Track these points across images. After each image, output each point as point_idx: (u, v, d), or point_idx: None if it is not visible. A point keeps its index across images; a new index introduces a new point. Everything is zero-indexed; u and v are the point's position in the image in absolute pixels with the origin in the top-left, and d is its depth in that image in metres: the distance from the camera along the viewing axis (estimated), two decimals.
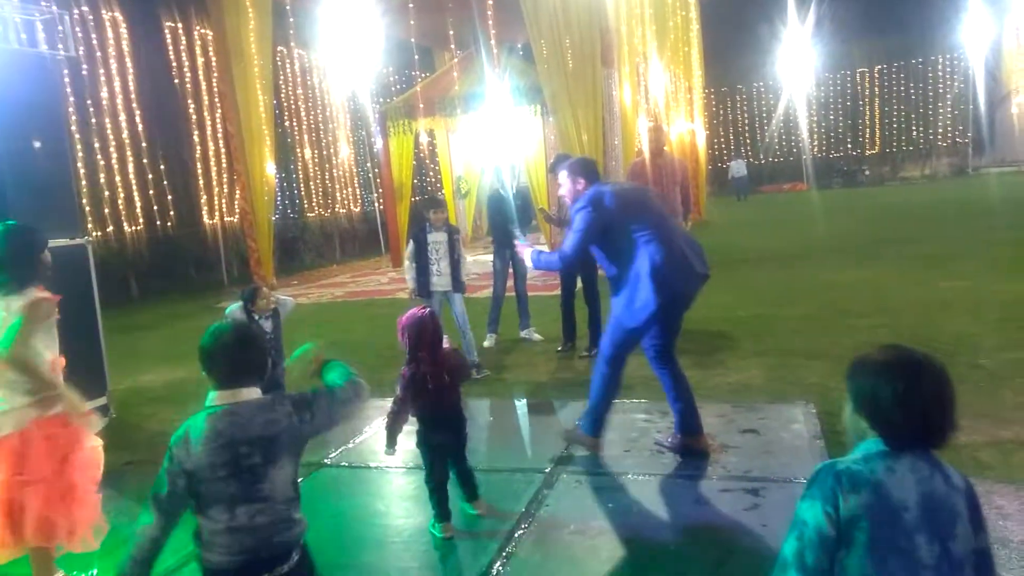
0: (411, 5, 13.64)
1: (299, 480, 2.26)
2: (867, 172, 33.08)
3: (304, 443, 2.23)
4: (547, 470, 4.11)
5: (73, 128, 10.95)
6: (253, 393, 2.16)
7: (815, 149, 33.83)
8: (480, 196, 17.35)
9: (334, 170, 18.30)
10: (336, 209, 18.35)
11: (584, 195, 4.04)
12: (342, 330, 8.63)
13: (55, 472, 3.04)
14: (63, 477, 3.05)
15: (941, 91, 32.13)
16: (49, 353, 3.10)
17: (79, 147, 11.47)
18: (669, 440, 4.31)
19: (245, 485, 2.05)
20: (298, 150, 17.09)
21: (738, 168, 30.12)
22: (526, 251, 4.38)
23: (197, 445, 2.05)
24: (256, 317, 4.91)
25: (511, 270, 7.26)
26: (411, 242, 6.19)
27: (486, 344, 7.14)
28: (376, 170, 16.94)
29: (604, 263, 4.13)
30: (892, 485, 1.55)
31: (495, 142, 13.30)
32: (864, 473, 1.57)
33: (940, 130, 32.63)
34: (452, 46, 16.82)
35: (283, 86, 16.46)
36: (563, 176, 4.27)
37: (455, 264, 6.08)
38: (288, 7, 14.15)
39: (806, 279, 9.65)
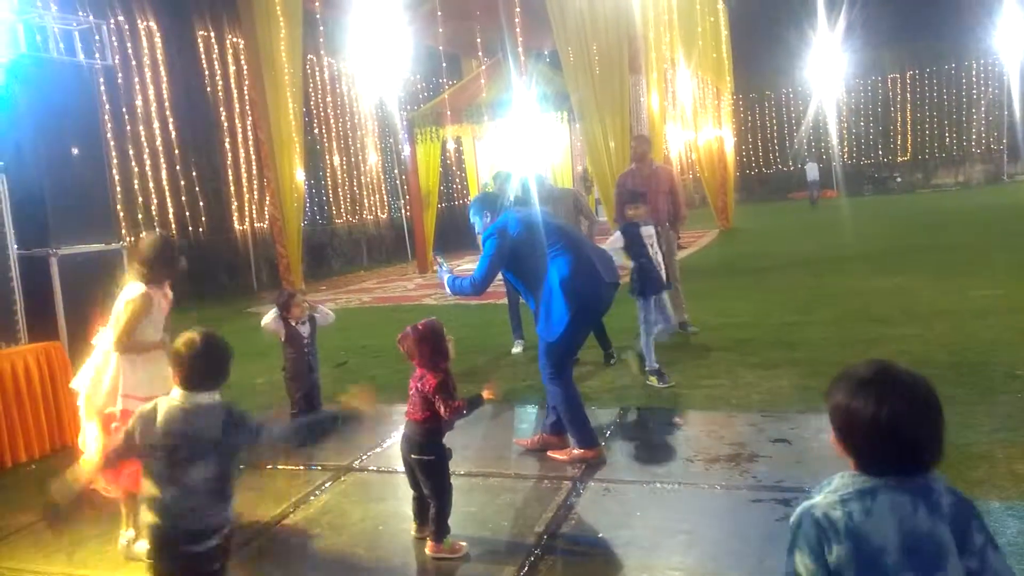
0: (439, 13, 13.73)
1: (233, 479, 2.51)
2: (899, 179, 32.62)
3: (233, 451, 2.49)
4: (575, 477, 4.10)
5: (109, 135, 11.16)
6: (209, 397, 2.46)
7: (845, 156, 33.45)
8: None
9: (362, 177, 18.44)
10: (364, 216, 18.48)
11: (491, 225, 4.31)
12: (369, 335, 8.68)
13: None
14: None
15: (975, 97, 31.63)
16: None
17: (114, 154, 11.67)
18: (533, 439, 4.53)
19: (172, 472, 2.38)
20: (327, 157, 17.26)
21: (811, 171, 28.27)
22: (444, 277, 4.46)
23: (156, 425, 2.41)
24: (292, 323, 4.96)
25: None
26: (619, 234, 5.90)
27: (514, 351, 7.14)
28: (403, 177, 17.04)
29: (519, 287, 4.45)
30: (870, 530, 1.48)
31: (522, 149, 13.31)
32: (842, 520, 1.49)
33: (974, 136, 32.11)
34: (479, 53, 16.91)
35: (313, 94, 16.63)
36: (472, 215, 4.53)
37: (666, 259, 5.94)
38: (318, 16, 14.31)
39: (836, 287, 9.53)
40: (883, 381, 1.52)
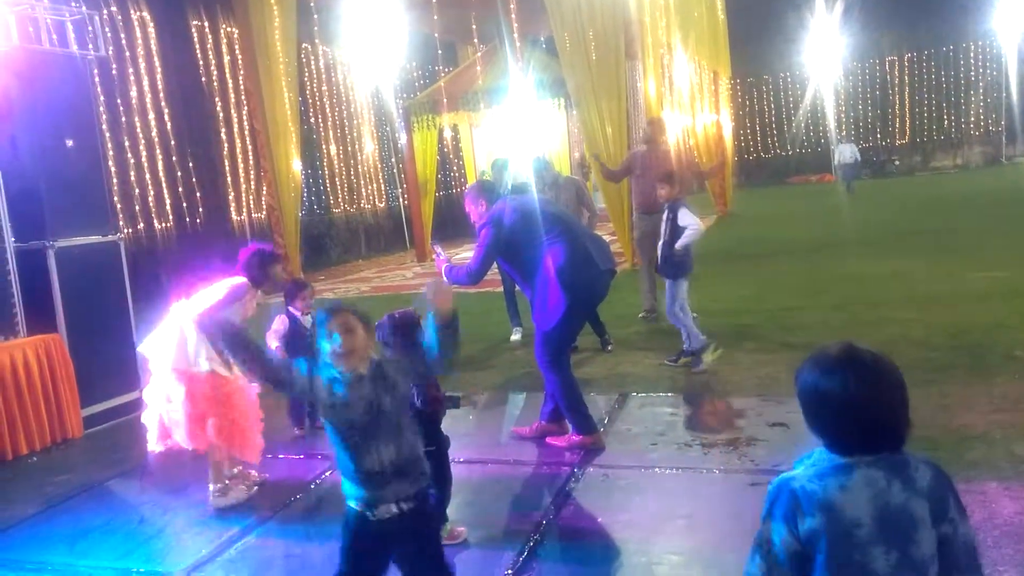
0: (434, 0, 13.65)
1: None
2: (897, 162, 32.52)
3: None
4: (574, 463, 4.11)
5: (104, 127, 11.10)
6: None
7: (844, 139, 33.32)
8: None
9: (359, 166, 18.38)
10: (361, 205, 18.43)
11: (486, 214, 4.30)
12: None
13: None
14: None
15: (973, 79, 31.45)
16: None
17: (110, 146, 11.62)
18: (532, 428, 4.54)
19: None
20: (323, 146, 17.19)
21: (844, 153, 25.03)
22: (442, 266, 4.47)
23: None
24: (298, 316, 4.92)
25: None
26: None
27: (513, 339, 7.14)
28: (400, 165, 16.99)
29: (515, 276, 4.45)
30: (845, 504, 1.52)
31: (519, 136, 13.28)
32: (818, 493, 1.52)
33: (972, 119, 31.97)
34: (475, 40, 16.82)
35: (308, 83, 16.54)
36: (467, 203, 4.49)
37: (664, 246, 5.70)
38: (312, 4, 14.23)
39: (834, 271, 9.53)
40: (848, 364, 1.55)
